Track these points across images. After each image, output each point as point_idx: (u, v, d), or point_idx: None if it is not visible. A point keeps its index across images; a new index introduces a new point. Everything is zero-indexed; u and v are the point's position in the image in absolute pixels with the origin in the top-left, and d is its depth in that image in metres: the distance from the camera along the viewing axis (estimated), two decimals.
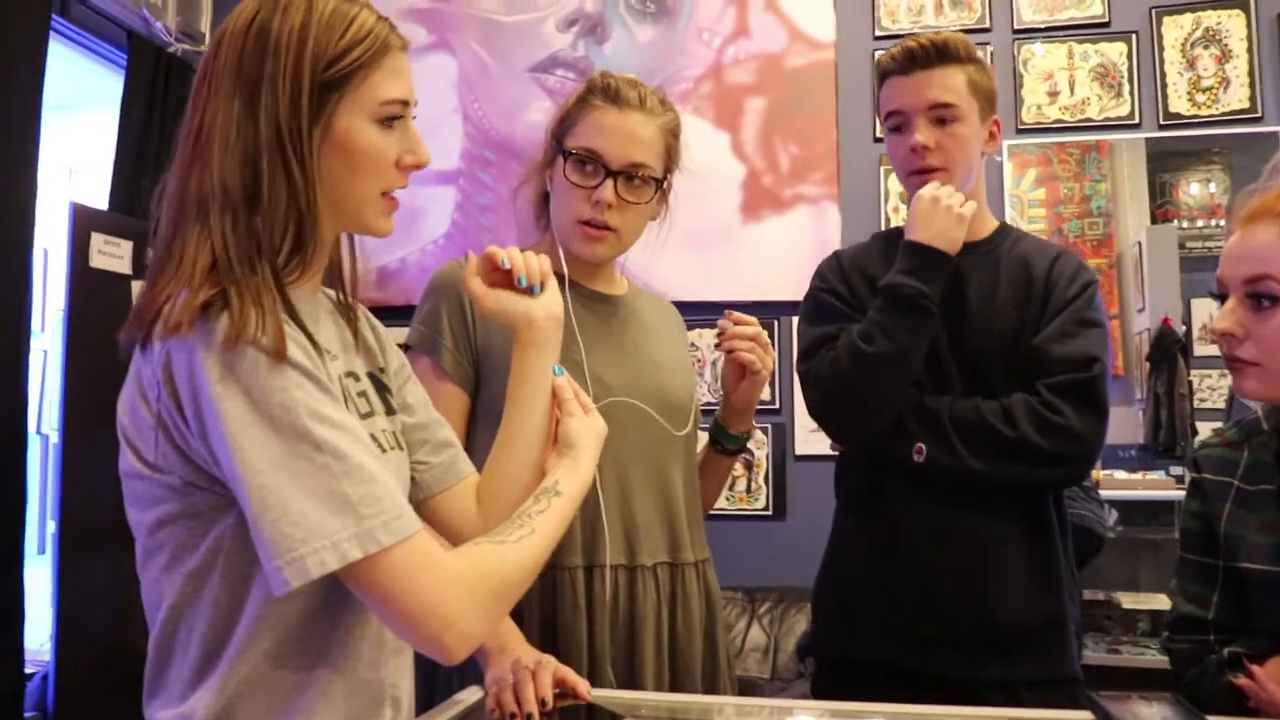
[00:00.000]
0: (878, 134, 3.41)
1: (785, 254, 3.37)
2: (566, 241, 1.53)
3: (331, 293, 1.16)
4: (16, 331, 2.81)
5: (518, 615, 1.41)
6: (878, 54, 3.42)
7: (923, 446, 1.59)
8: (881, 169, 3.39)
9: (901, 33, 3.34)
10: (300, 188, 0.98)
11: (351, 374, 1.10)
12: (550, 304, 1.21)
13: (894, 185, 3.38)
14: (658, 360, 1.59)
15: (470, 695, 1.30)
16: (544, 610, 1.44)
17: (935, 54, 1.63)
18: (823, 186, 3.42)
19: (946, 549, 1.61)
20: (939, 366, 1.64)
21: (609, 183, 1.48)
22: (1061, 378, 1.57)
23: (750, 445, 2.85)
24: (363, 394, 1.10)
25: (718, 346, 1.60)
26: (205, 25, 3.71)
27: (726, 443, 1.67)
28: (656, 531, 1.51)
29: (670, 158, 1.55)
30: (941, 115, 1.63)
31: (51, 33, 3.01)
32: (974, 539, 1.61)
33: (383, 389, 1.16)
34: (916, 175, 1.65)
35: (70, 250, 2.93)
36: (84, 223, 2.99)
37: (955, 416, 1.59)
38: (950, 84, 1.63)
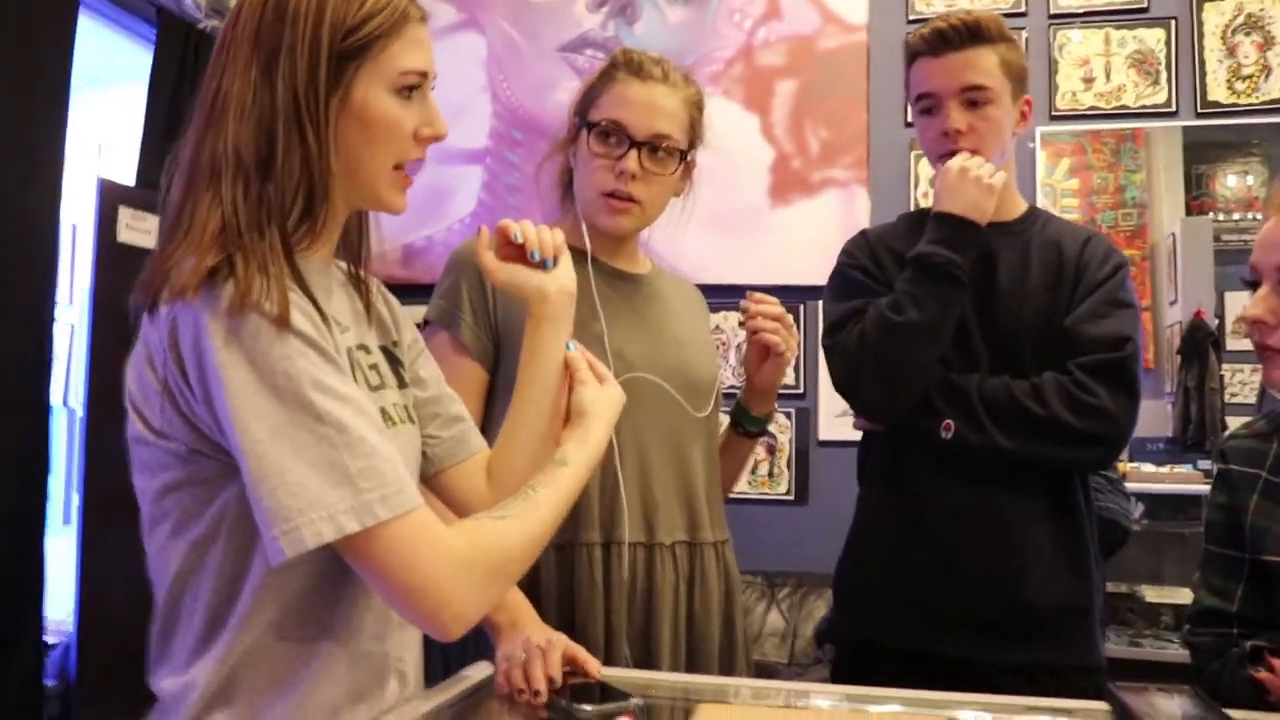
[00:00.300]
0: (909, 118, 3.37)
1: (813, 238, 3.34)
2: (590, 214, 1.53)
3: (344, 265, 1.15)
4: (43, 306, 2.82)
5: (534, 592, 1.40)
6: (910, 37, 3.38)
7: (951, 423, 1.57)
8: (912, 154, 3.36)
9: (935, 16, 3.29)
10: (314, 156, 0.98)
11: (363, 346, 1.09)
12: (563, 278, 1.19)
13: (924, 170, 3.34)
14: (680, 339, 1.58)
15: (479, 671, 1.29)
16: (561, 587, 1.44)
17: (967, 34, 1.60)
18: (852, 170, 3.39)
19: (972, 528, 1.59)
20: (967, 346, 1.62)
21: (633, 153, 1.47)
22: (1093, 357, 1.55)
23: (773, 429, 2.83)
24: (374, 366, 1.10)
25: (742, 325, 1.59)
26: (235, 1, 3.71)
27: (748, 425, 1.67)
28: (675, 510, 1.51)
29: (694, 131, 1.55)
30: (974, 98, 1.61)
31: (80, 8, 3.01)
32: (1000, 519, 1.59)
33: (395, 362, 1.16)
34: (948, 158, 1.63)
35: (97, 225, 2.94)
36: (111, 198, 3.00)
37: (985, 394, 1.57)
38: (982, 65, 1.60)
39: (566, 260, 1.21)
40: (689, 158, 1.56)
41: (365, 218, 1.14)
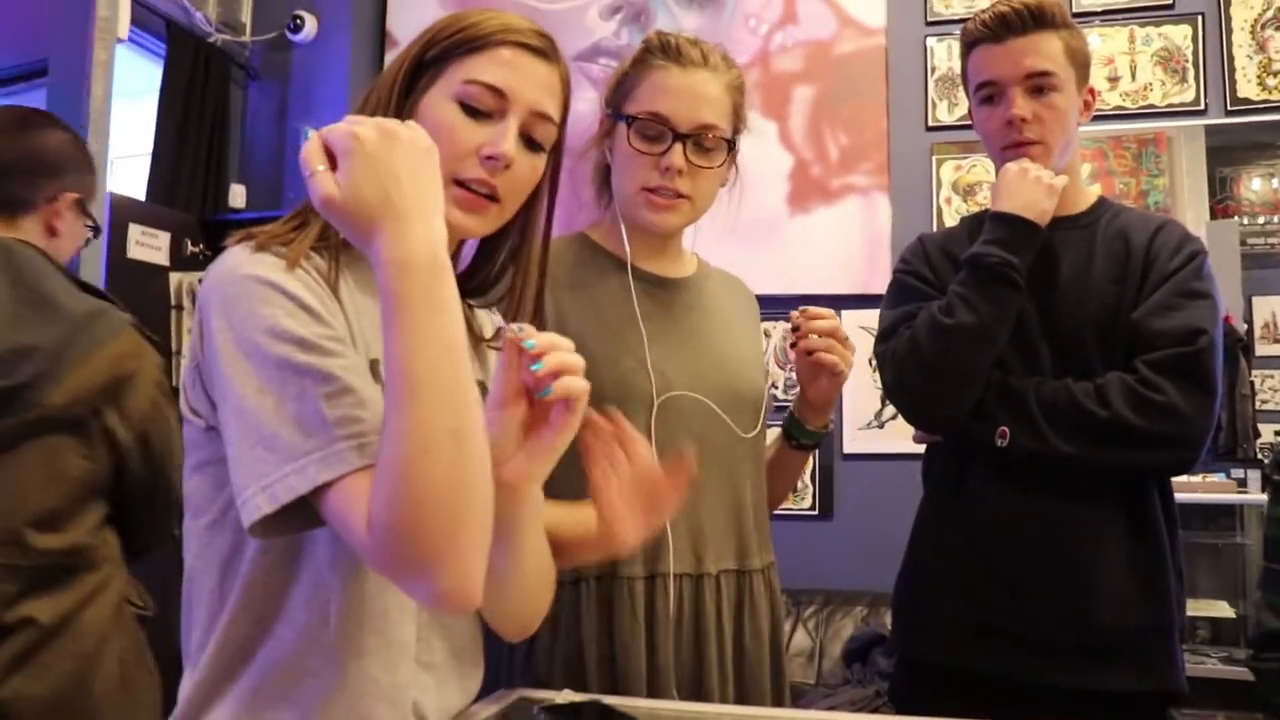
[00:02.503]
0: (930, 122, 3.32)
1: (834, 246, 3.29)
2: (632, 213, 1.41)
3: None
4: None
5: (574, 628, 1.32)
6: (929, 39, 3.33)
7: (1006, 430, 1.49)
8: (934, 159, 3.30)
9: (955, 19, 3.25)
10: None
11: None
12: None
13: (946, 175, 3.28)
14: (725, 352, 1.47)
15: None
16: (601, 622, 1.33)
17: (1031, 19, 1.53)
18: (872, 177, 3.33)
19: (1036, 544, 1.51)
20: (1028, 347, 1.55)
21: (677, 147, 1.36)
22: (1162, 353, 1.45)
23: None
24: None
25: (793, 346, 1.49)
26: (246, 15, 3.69)
27: (802, 438, 1.55)
28: (724, 537, 1.41)
29: (738, 117, 1.44)
30: (1039, 84, 1.54)
31: None
32: (1067, 532, 1.50)
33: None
34: (1012, 149, 1.56)
35: (107, 241, 2.92)
36: (121, 213, 2.98)
37: (1042, 397, 1.49)
38: (1047, 51, 1.53)
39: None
40: (735, 145, 1.44)
41: (481, 253, 1.14)
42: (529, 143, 1.04)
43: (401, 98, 1.02)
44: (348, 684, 0.96)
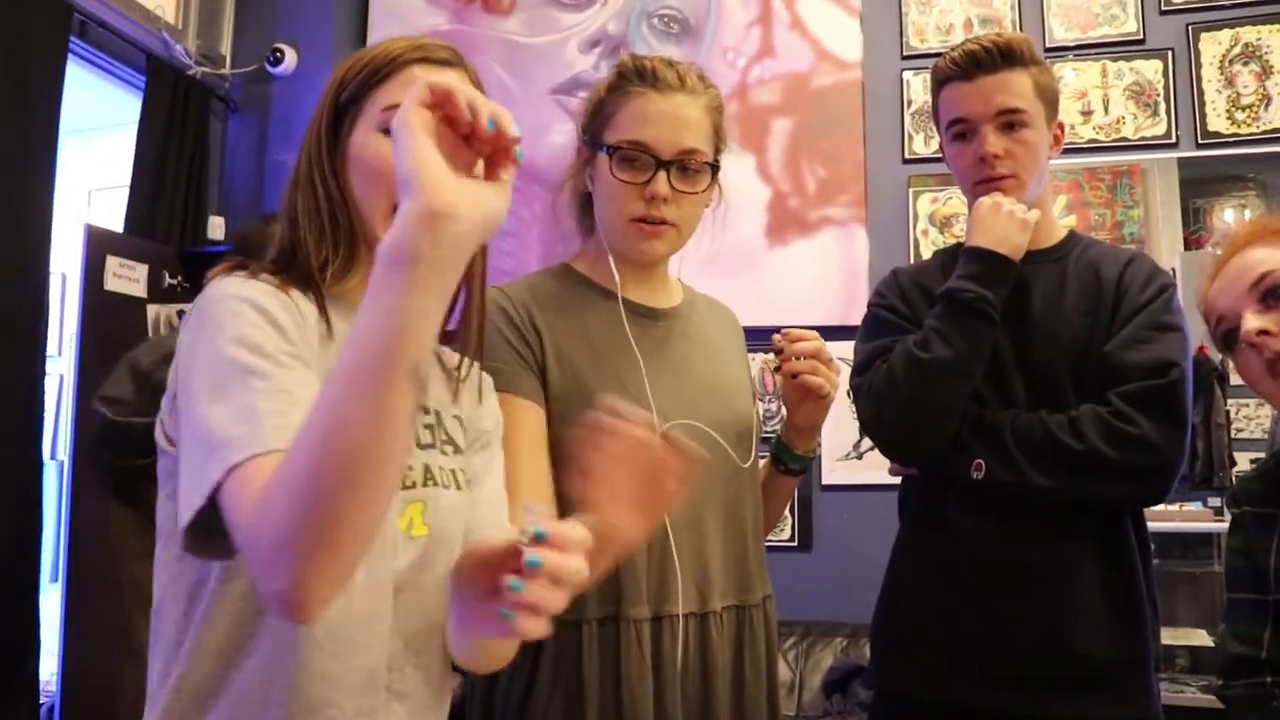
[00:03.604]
0: (906, 155, 3.35)
1: (812, 278, 3.30)
2: (619, 243, 1.40)
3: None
4: (34, 357, 2.79)
5: (576, 674, 1.28)
6: (905, 73, 3.37)
7: (982, 463, 1.49)
8: (910, 191, 3.32)
9: (930, 53, 3.28)
10: (324, 204, 1.04)
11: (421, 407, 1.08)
12: (495, 202, 0.83)
13: (923, 207, 3.31)
14: (717, 383, 1.45)
15: None
16: (604, 668, 1.29)
17: (1000, 57, 1.54)
18: (850, 209, 3.35)
19: (1013, 575, 1.50)
20: (1002, 381, 1.55)
21: (661, 175, 1.34)
22: (1135, 385, 1.46)
23: None
24: (428, 427, 1.08)
25: (777, 370, 1.48)
26: (226, 48, 3.70)
27: (791, 463, 1.54)
28: (726, 570, 1.38)
29: (719, 137, 1.42)
30: (1010, 121, 1.55)
31: (70, 55, 2.99)
32: (1042, 564, 1.50)
33: (461, 433, 1.14)
34: (983, 184, 1.57)
35: (84, 273, 2.91)
36: (99, 245, 2.97)
37: (1017, 430, 1.49)
38: (1017, 88, 1.55)
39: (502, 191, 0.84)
40: (718, 167, 1.42)
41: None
42: None
43: (330, 147, 1.05)
44: (312, 711, 0.96)
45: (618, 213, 1.37)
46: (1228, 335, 1.35)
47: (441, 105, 0.79)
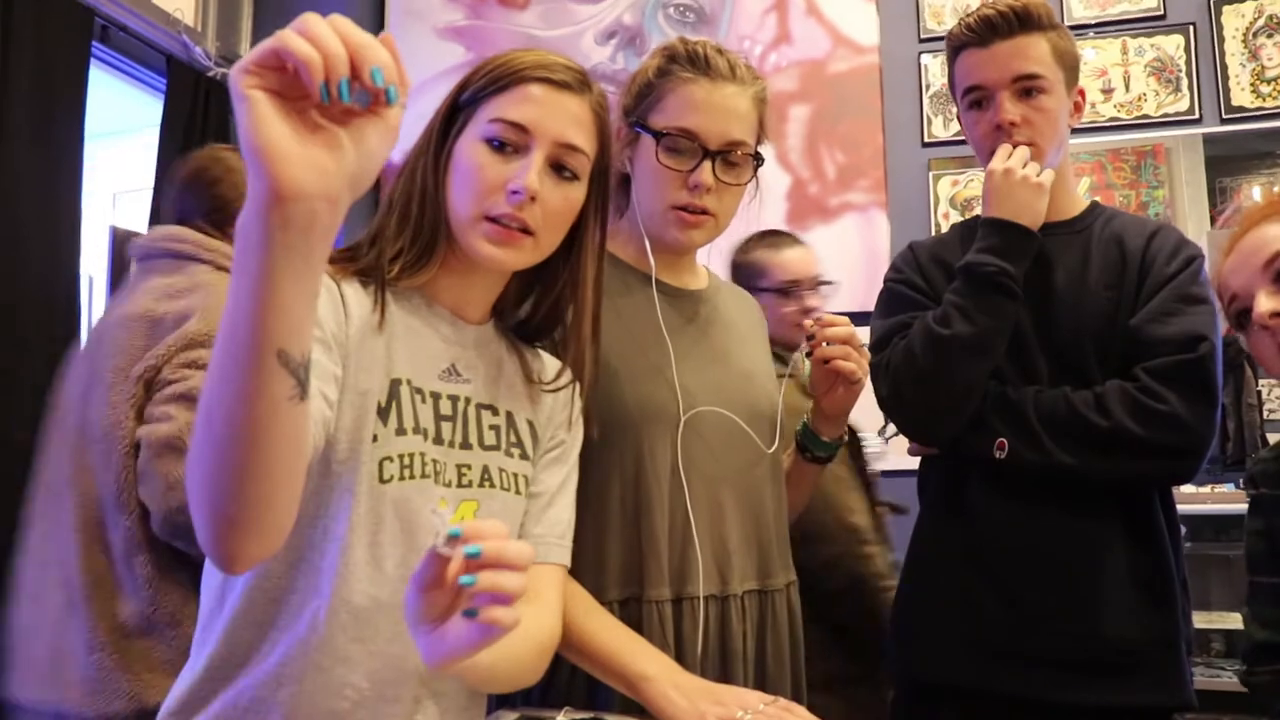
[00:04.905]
0: (926, 138, 3.33)
1: (834, 264, 3.25)
2: (657, 229, 1.37)
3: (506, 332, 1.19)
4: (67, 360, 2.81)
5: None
6: (922, 56, 3.35)
7: (1004, 441, 1.45)
8: (930, 174, 3.30)
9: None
10: (415, 193, 1.07)
11: (487, 405, 1.12)
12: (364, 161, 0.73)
13: (944, 190, 3.29)
14: (745, 368, 1.45)
15: None
16: None
17: (1017, 21, 1.50)
18: (870, 194, 3.34)
19: (1039, 558, 1.47)
20: (1024, 357, 1.51)
21: (706, 164, 1.32)
22: (1163, 360, 1.42)
23: None
24: (494, 428, 1.11)
25: (808, 355, 1.45)
26: (244, 49, 3.72)
27: (818, 450, 1.52)
28: (747, 554, 1.37)
29: (762, 129, 1.40)
30: (1028, 87, 1.51)
31: (93, 60, 3.02)
32: (1068, 546, 1.47)
33: (533, 438, 1.16)
34: None
35: (110, 274, 2.94)
36: (124, 246, 2.99)
37: (1040, 407, 1.45)
38: (1034, 53, 1.51)
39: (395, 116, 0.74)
40: (760, 160, 1.40)
41: (539, 290, 1.18)
42: (559, 173, 1.07)
43: (439, 144, 1.08)
44: (328, 690, 0.98)
45: (660, 198, 1.36)
46: (1241, 314, 1.31)
47: (270, 69, 0.67)
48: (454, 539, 0.75)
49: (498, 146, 1.05)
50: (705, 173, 1.32)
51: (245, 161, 0.68)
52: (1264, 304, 1.25)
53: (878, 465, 2.25)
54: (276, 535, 0.80)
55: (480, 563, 0.75)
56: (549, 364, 1.22)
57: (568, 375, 1.18)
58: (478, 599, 0.75)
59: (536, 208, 1.04)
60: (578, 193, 1.09)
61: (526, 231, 1.04)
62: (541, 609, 1.07)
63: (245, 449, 0.73)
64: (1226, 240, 1.33)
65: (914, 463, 1.69)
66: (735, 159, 1.35)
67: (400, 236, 1.07)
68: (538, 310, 1.19)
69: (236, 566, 0.80)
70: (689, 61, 1.35)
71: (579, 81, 1.09)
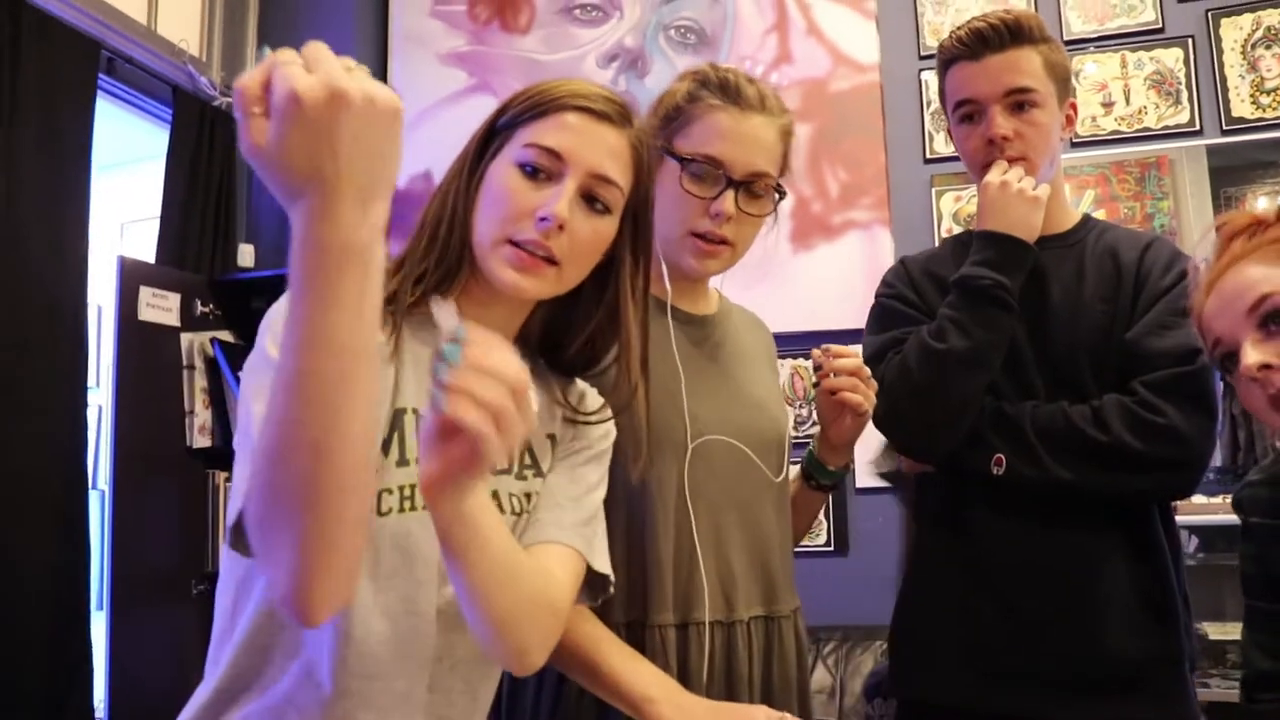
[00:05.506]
0: (928, 155, 3.34)
1: (838, 281, 3.29)
2: (674, 254, 1.37)
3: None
4: (76, 390, 2.83)
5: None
6: (923, 74, 3.36)
7: (1002, 457, 1.44)
8: (933, 190, 3.31)
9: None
10: (446, 214, 1.07)
11: None
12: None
13: (946, 206, 3.30)
14: (753, 394, 1.44)
15: None
16: None
17: (1008, 34, 1.49)
18: (873, 211, 3.35)
19: (1038, 575, 1.46)
20: (1020, 372, 1.50)
21: (729, 193, 1.32)
22: (1160, 374, 1.41)
23: None
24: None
25: (815, 386, 1.44)
26: None
27: (822, 478, 1.51)
28: (752, 580, 1.37)
29: (785, 161, 1.41)
30: (1020, 101, 1.50)
31: (99, 91, 3.04)
32: (1068, 562, 1.46)
33: (549, 448, 1.14)
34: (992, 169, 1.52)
35: (118, 304, 2.95)
36: (132, 276, 3.01)
37: (1038, 422, 1.44)
38: (1026, 66, 1.50)
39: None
40: (783, 193, 1.40)
41: (561, 316, 1.16)
42: (591, 205, 1.05)
43: (475, 163, 1.07)
44: None
45: (679, 223, 1.35)
46: (1225, 358, 1.23)
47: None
48: (458, 339, 0.75)
49: (530, 172, 1.03)
50: (728, 201, 1.32)
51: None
52: (1251, 356, 1.16)
53: None
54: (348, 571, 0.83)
55: (458, 354, 0.74)
56: (590, 396, 1.20)
57: (607, 412, 1.17)
58: (445, 387, 0.74)
59: (564, 237, 1.02)
60: (608, 226, 1.08)
61: (551, 261, 1.02)
62: (550, 582, 1.02)
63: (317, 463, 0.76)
64: (1203, 274, 1.25)
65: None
66: (758, 190, 1.35)
67: (426, 258, 1.06)
68: (570, 345, 1.16)
69: (314, 614, 0.80)
70: (719, 89, 1.35)
71: (620, 114, 1.08)
